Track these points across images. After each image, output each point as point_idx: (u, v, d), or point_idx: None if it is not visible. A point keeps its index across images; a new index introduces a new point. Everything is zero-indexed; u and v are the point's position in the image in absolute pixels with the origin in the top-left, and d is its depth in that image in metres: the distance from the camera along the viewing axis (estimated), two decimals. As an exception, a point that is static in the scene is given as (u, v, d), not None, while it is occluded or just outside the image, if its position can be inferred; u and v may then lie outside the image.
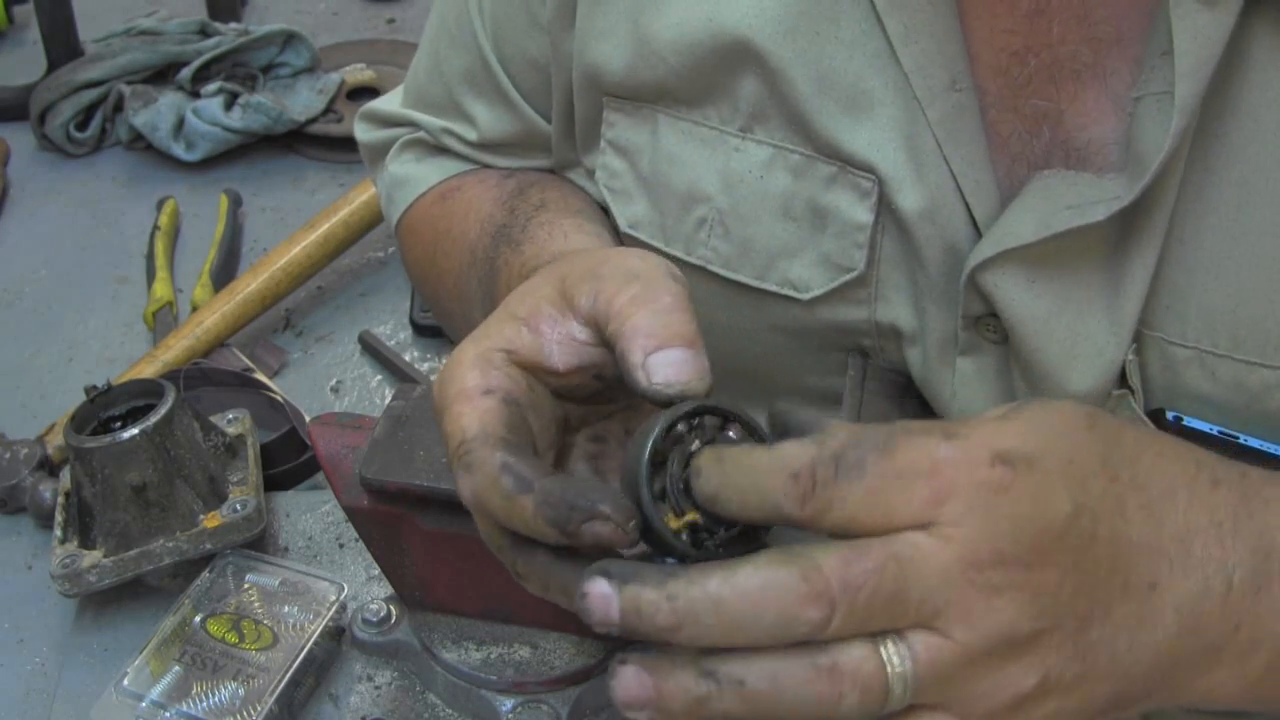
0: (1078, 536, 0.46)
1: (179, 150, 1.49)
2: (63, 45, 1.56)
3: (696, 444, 0.49)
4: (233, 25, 1.62)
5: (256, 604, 0.88)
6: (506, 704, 0.81)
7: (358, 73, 1.60)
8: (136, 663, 0.84)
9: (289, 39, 1.57)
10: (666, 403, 0.50)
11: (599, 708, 0.82)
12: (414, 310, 1.29)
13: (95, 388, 0.93)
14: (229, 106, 1.50)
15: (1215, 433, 0.61)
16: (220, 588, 0.89)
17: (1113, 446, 0.49)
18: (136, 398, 0.95)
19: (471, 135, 0.85)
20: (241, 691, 0.82)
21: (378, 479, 0.77)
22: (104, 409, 0.94)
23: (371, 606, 0.87)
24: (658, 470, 0.49)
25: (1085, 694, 0.48)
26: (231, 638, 0.85)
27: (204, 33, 1.59)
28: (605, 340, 0.53)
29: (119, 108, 1.52)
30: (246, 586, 0.89)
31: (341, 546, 0.96)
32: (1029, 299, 0.62)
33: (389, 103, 0.93)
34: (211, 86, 1.51)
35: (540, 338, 0.54)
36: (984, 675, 0.46)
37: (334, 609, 0.87)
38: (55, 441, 1.09)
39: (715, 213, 0.69)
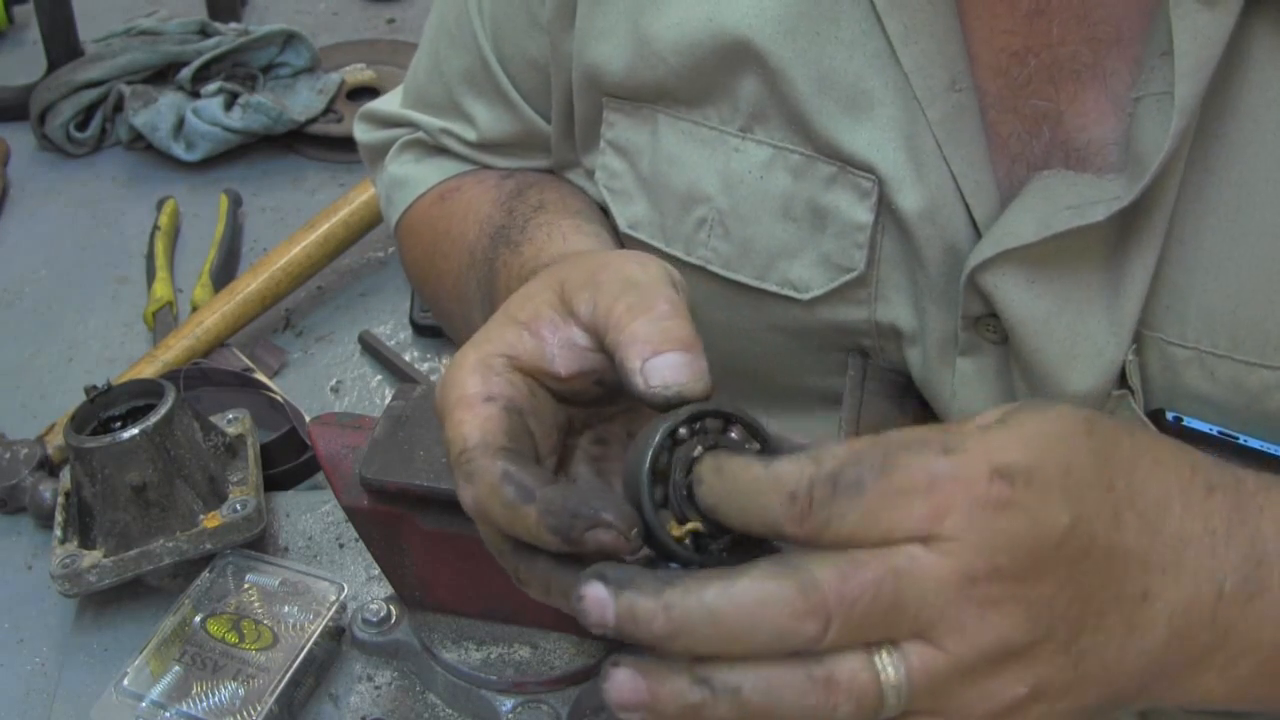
0: (1074, 548, 0.47)
1: (179, 150, 1.49)
2: (63, 45, 1.56)
3: (699, 449, 0.49)
4: (233, 25, 1.62)
5: (256, 604, 0.88)
6: (506, 704, 0.81)
7: (358, 73, 1.60)
8: (136, 663, 0.84)
9: (289, 39, 1.57)
10: (665, 406, 0.50)
11: (599, 708, 0.82)
12: (414, 310, 1.29)
13: (95, 388, 0.93)
14: (229, 106, 1.50)
15: (1215, 433, 0.61)
16: (220, 588, 0.89)
17: (1110, 454, 0.49)
18: (136, 398, 0.95)
19: (471, 135, 0.85)
20: (241, 691, 0.82)
21: (378, 479, 0.77)
22: (104, 409, 0.94)
23: (371, 606, 0.87)
24: (660, 475, 0.49)
25: (1076, 698, 0.48)
26: (231, 638, 0.85)
27: (204, 33, 1.59)
28: (605, 348, 0.53)
29: (119, 108, 1.52)
30: (246, 586, 0.89)
31: (341, 546, 0.96)
32: (1029, 299, 0.62)
33: (388, 103, 0.93)
34: (211, 86, 1.51)
35: (542, 343, 0.54)
36: (977, 684, 0.46)
37: (334, 609, 0.87)
38: (55, 441, 1.09)
39: (715, 213, 0.69)
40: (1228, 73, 0.57)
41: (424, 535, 0.79)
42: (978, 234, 0.63)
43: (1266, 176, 0.58)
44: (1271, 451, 0.61)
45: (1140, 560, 0.49)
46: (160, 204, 1.42)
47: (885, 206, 0.65)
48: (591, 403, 0.57)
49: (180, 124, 1.49)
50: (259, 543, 0.93)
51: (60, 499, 0.96)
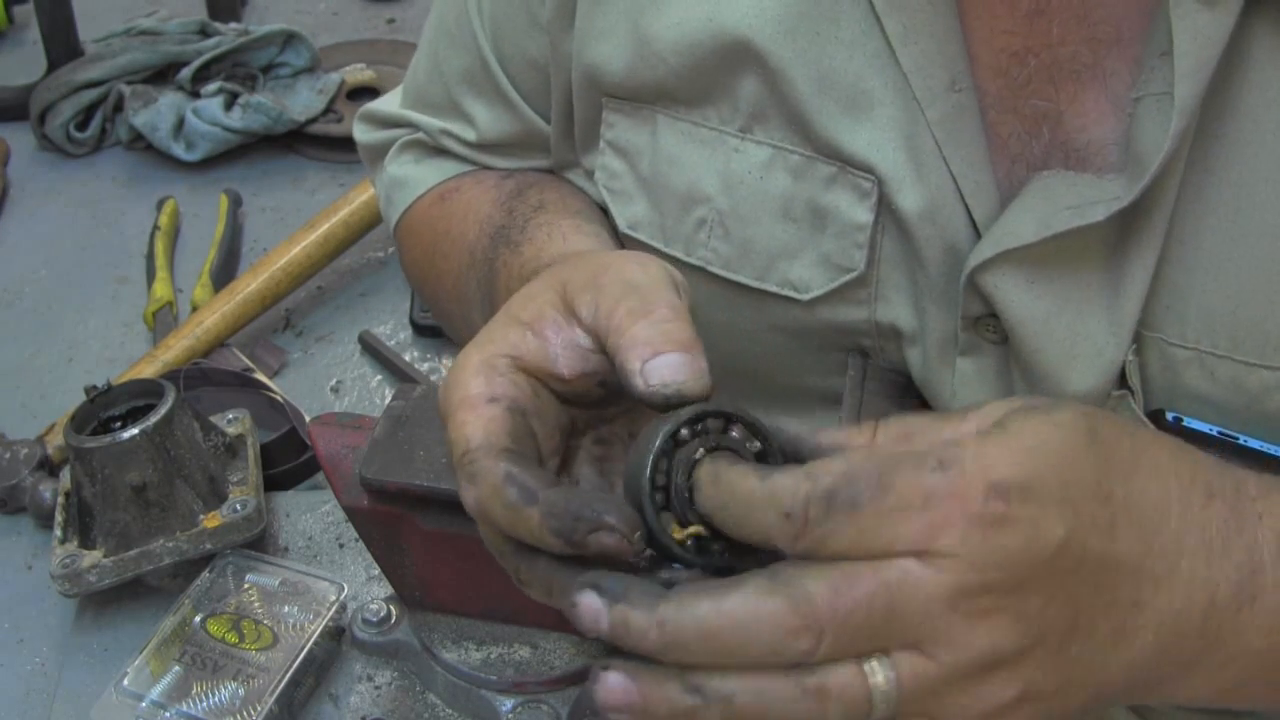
0: (1067, 560, 0.47)
1: (179, 150, 1.49)
2: (63, 45, 1.56)
3: (700, 451, 0.49)
4: (233, 25, 1.62)
5: (256, 604, 0.88)
6: (506, 704, 0.81)
7: (358, 73, 1.60)
8: (136, 663, 0.84)
9: (289, 39, 1.57)
10: (665, 405, 0.50)
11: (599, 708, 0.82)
12: (414, 310, 1.29)
13: (95, 388, 0.93)
14: (229, 106, 1.50)
15: (1215, 433, 0.61)
16: (220, 588, 0.89)
17: (1109, 463, 0.49)
18: (136, 398, 0.95)
19: (470, 136, 0.85)
20: (241, 691, 0.82)
21: (378, 479, 0.77)
22: (104, 409, 0.94)
23: (371, 606, 0.87)
24: (661, 477, 0.49)
25: (1064, 699, 0.49)
26: (231, 638, 0.85)
27: (204, 33, 1.59)
28: (606, 351, 0.53)
29: (119, 108, 1.52)
30: (246, 586, 0.89)
31: (341, 546, 0.96)
32: (1029, 299, 0.62)
33: (388, 103, 0.92)
34: (211, 86, 1.51)
35: (545, 343, 0.54)
36: (965, 690, 0.47)
37: (334, 609, 0.87)
38: (55, 441, 1.09)
39: (715, 213, 0.69)
40: (1228, 73, 0.57)
41: (424, 535, 0.79)
42: (977, 234, 0.63)
43: (1266, 177, 0.58)
44: (1271, 452, 0.61)
45: (1133, 570, 0.49)
46: (160, 204, 1.42)
47: (885, 207, 0.65)
48: (594, 404, 0.57)
49: (180, 124, 1.49)
50: (259, 543, 0.93)
51: (60, 499, 0.96)
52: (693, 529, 0.49)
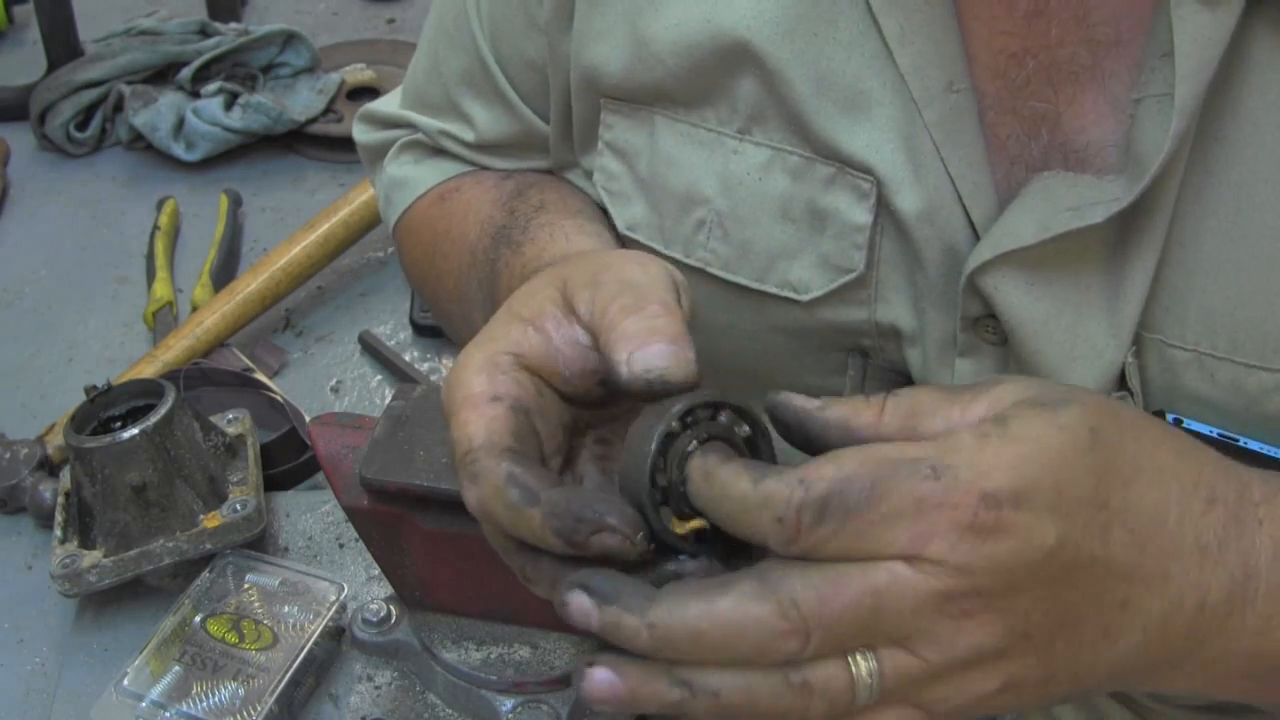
0: (1057, 564, 0.47)
1: (179, 150, 1.49)
2: (63, 45, 1.56)
3: (693, 443, 0.49)
4: (233, 25, 1.62)
5: (256, 604, 0.88)
6: (506, 704, 0.81)
7: (358, 73, 1.60)
8: (136, 663, 0.84)
9: (289, 39, 1.57)
10: (648, 390, 0.50)
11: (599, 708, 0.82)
12: (414, 310, 1.29)
13: (95, 388, 0.93)
14: (229, 106, 1.50)
15: (1215, 435, 0.61)
16: (220, 588, 0.89)
17: (1109, 469, 0.49)
18: (136, 398, 0.95)
19: (469, 136, 0.84)
20: (241, 691, 0.82)
21: (378, 479, 0.77)
22: (104, 409, 0.94)
23: (371, 606, 0.87)
24: (657, 472, 0.49)
25: (1045, 689, 0.50)
26: (231, 638, 0.85)
27: (204, 33, 1.59)
28: (600, 347, 0.53)
29: (119, 108, 1.52)
30: (246, 586, 0.89)
31: (341, 546, 0.96)
32: (1028, 301, 0.62)
33: (387, 104, 0.92)
34: (211, 86, 1.51)
35: (547, 340, 0.54)
36: (948, 683, 0.48)
37: (334, 609, 0.87)
38: (55, 441, 1.09)
39: (714, 214, 0.69)
40: (1228, 75, 0.57)
41: (424, 535, 0.79)
42: (976, 235, 0.63)
43: (1266, 179, 0.58)
44: (1271, 454, 0.61)
45: (1124, 573, 0.49)
46: (160, 204, 1.42)
47: (884, 208, 0.65)
48: (595, 403, 0.57)
49: (180, 124, 1.49)
50: (259, 543, 0.93)
51: (60, 499, 0.96)
52: (693, 524, 0.49)
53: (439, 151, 0.88)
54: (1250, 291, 0.59)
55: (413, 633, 0.85)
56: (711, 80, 0.68)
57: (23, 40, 1.74)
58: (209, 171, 1.49)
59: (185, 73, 1.52)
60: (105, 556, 0.89)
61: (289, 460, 1.05)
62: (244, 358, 1.23)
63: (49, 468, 1.08)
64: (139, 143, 1.52)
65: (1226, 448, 0.60)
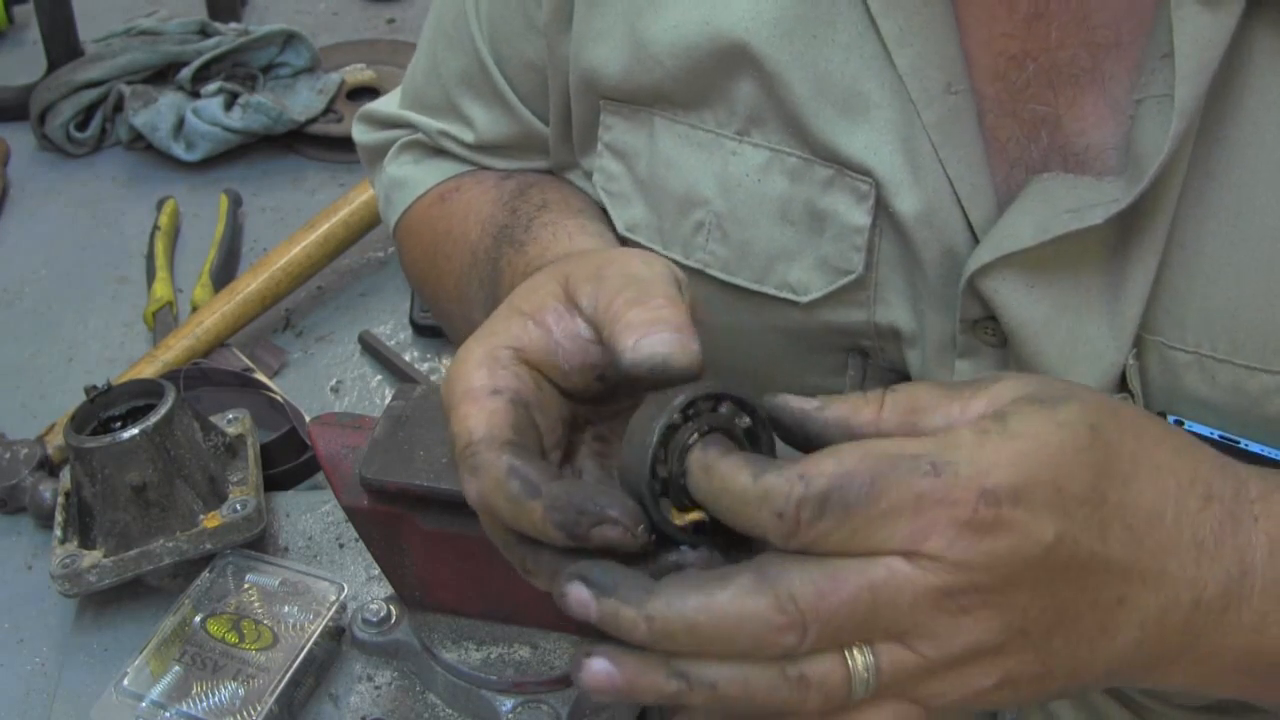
0: (1055, 561, 0.47)
1: (179, 150, 1.49)
2: (63, 45, 1.56)
3: (694, 435, 0.50)
4: (233, 25, 1.62)
5: (256, 604, 0.88)
6: (506, 704, 0.81)
7: (358, 73, 1.60)
8: (136, 663, 0.84)
9: (289, 39, 1.57)
10: (650, 375, 0.50)
11: (599, 708, 0.82)
12: (414, 310, 1.29)
13: (95, 388, 0.93)
14: (229, 106, 1.50)
15: (1216, 437, 0.61)
16: (220, 588, 0.89)
17: (1108, 465, 0.49)
18: (136, 398, 0.95)
19: (469, 137, 0.84)
20: (241, 691, 0.82)
21: (378, 479, 0.77)
22: (104, 409, 0.94)
23: (371, 606, 0.87)
24: (659, 461, 0.49)
25: (1042, 684, 0.50)
26: (231, 638, 0.85)
27: (204, 33, 1.59)
28: (604, 340, 0.53)
29: (119, 108, 1.52)
30: (246, 586, 0.89)
31: (341, 546, 0.97)
32: (1028, 303, 0.62)
33: (387, 104, 0.92)
34: (211, 86, 1.51)
35: (547, 334, 0.54)
36: (945, 678, 0.48)
37: (334, 609, 0.87)
38: (55, 441, 1.09)
39: (713, 216, 0.69)
40: (1229, 76, 0.57)
41: (424, 535, 0.79)
42: (975, 238, 0.63)
43: (1267, 181, 0.57)
44: (1272, 456, 0.61)
45: (1122, 570, 0.49)
46: (160, 204, 1.42)
47: (882, 209, 0.65)
48: (594, 399, 0.57)
49: (180, 124, 1.49)
50: (259, 543, 0.93)
51: (60, 499, 0.96)
52: (692, 516, 0.50)
53: (439, 151, 0.88)
54: (1251, 293, 0.59)
55: (413, 633, 0.85)
56: (710, 82, 0.68)
57: (23, 40, 1.74)
58: (209, 171, 1.49)
59: (185, 73, 1.52)
60: (105, 556, 0.89)
61: (289, 460, 1.05)
62: (244, 358, 1.23)
63: (49, 468, 1.08)
64: (139, 143, 1.52)
65: (1228, 450, 0.60)
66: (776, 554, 0.47)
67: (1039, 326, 0.62)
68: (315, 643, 0.85)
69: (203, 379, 1.14)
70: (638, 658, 0.47)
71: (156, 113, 1.49)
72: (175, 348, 1.20)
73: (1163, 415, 0.62)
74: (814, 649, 0.46)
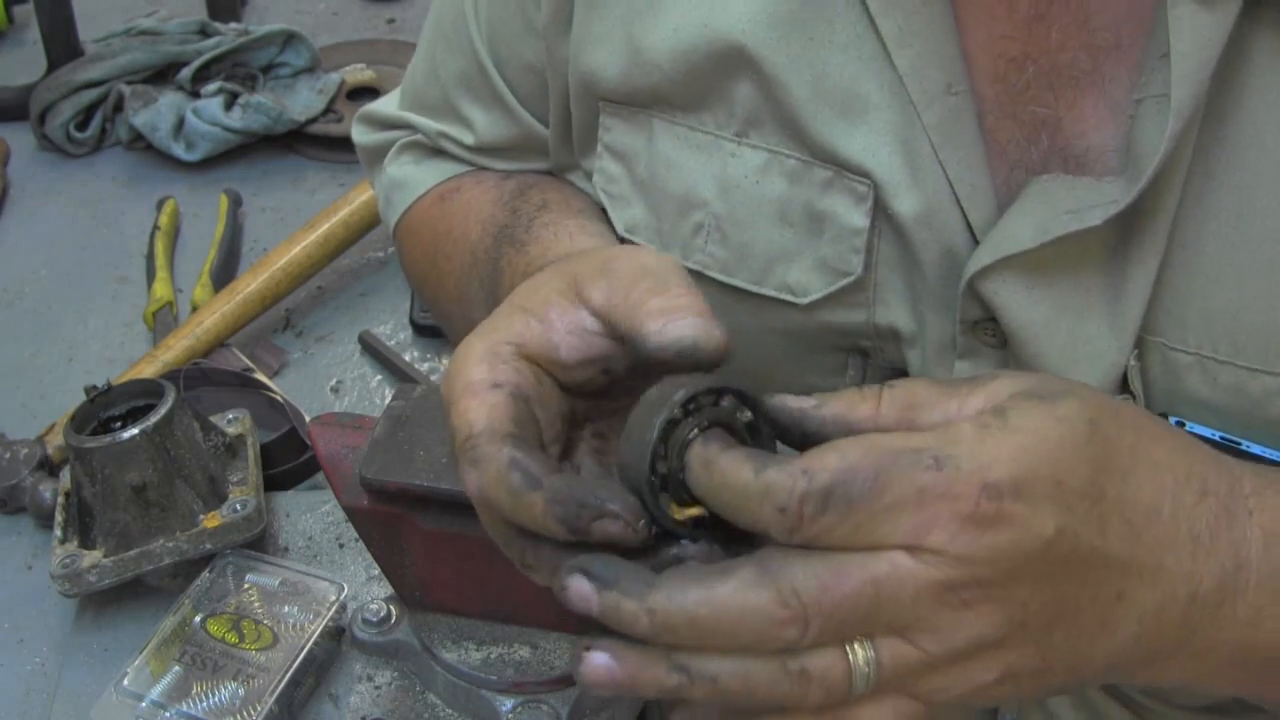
0: (1056, 555, 0.47)
1: (179, 150, 1.49)
2: (63, 45, 1.56)
3: (694, 431, 0.49)
4: (233, 25, 1.62)
5: (256, 604, 0.88)
6: (506, 704, 0.81)
7: (358, 73, 1.60)
8: (136, 663, 0.84)
9: (289, 39, 1.57)
10: (678, 357, 0.50)
11: (599, 708, 0.82)
12: (414, 310, 1.29)
13: (95, 388, 0.93)
14: (229, 106, 1.50)
15: (1217, 439, 0.61)
16: (220, 588, 0.89)
17: (1106, 461, 0.49)
18: (136, 398, 0.95)
19: (468, 139, 0.84)
20: (241, 691, 0.82)
21: (378, 479, 0.77)
22: (104, 409, 0.94)
23: (371, 606, 0.87)
24: (658, 457, 0.49)
25: (1042, 680, 0.50)
26: (231, 638, 0.85)
27: (204, 33, 1.59)
28: (618, 334, 0.53)
29: (119, 108, 1.52)
30: (246, 586, 0.89)
31: (341, 546, 0.97)
32: (1028, 304, 0.62)
33: (386, 105, 0.92)
34: (211, 86, 1.51)
35: (549, 329, 0.54)
36: (946, 673, 0.48)
37: (334, 609, 0.87)
38: (55, 441, 1.09)
39: (712, 218, 0.69)
40: (1230, 78, 0.57)
41: (424, 535, 0.79)
42: (974, 239, 0.63)
43: (1268, 182, 0.57)
44: (1274, 457, 0.61)
45: (1120, 564, 0.49)
46: (160, 204, 1.42)
47: (881, 211, 0.65)
48: (595, 393, 0.57)
49: (180, 124, 1.49)
50: (259, 543, 0.93)
51: (60, 499, 0.96)
52: (692, 511, 0.50)
53: (439, 152, 0.88)
54: (1252, 295, 0.59)
55: (413, 633, 0.85)
56: (708, 84, 0.68)
57: (23, 40, 1.74)
58: (209, 171, 1.49)
59: (185, 73, 1.52)
60: (105, 556, 0.89)
61: (289, 460, 1.05)
62: (244, 358, 1.23)
63: (49, 468, 1.08)
64: (139, 143, 1.53)
65: (1229, 451, 0.61)
66: (778, 548, 0.47)
67: (1040, 328, 0.62)
68: (315, 643, 0.85)
69: (203, 379, 1.14)
70: (638, 651, 0.47)
71: (156, 113, 1.49)
72: (175, 348, 1.20)
73: (1164, 416, 0.62)
74: (815, 643, 0.46)
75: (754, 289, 0.69)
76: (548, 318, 0.54)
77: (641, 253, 0.56)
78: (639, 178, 0.73)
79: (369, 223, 1.34)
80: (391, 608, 0.87)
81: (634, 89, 0.70)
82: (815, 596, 0.45)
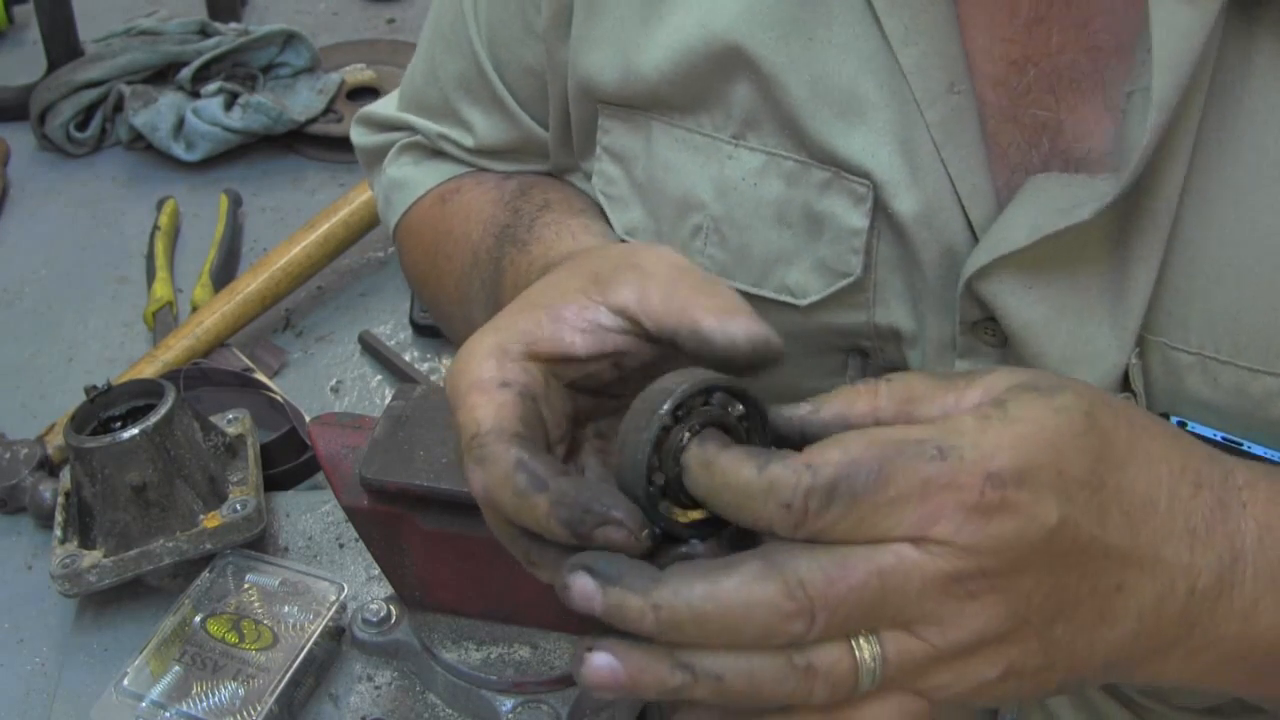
0: (1058, 545, 0.47)
1: (179, 150, 1.49)
2: (63, 45, 1.56)
3: (685, 435, 0.49)
4: (233, 25, 1.62)
5: (256, 604, 0.88)
6: (506, 704, 0.81)
7: (358, 73, 1.60)
8: (136, 663, 0.84)
9: (289, 39, 1.57)
10: (750, 356, 0.51)
11: (599, 708, 0.82)
12: (414, 310, 1.29)
13: (95, 388, 0.93)
14: (229, 106, 1.50)
15: (1218, 439, 0.61)
16: (220, 588, 0.89)
17: (1104, 452, 0.49)
18: (136, 398, 0.95)
19: (468, 141, 0.84)
20: (241, 691, 0.82)
21: (378, 479, 0.77)
22: (104, 409, 0.94)
23: (371, 606, 0.87)
24: (654, 469, 0.49)
25: (1044, 677, 0.50)
26: (231, 638, 0.85)
27: (204, 33, 1.59)
28: (654, 331, 0.53)
29: (119, 108, 1.52)
30: (246, 586, 0.89)
31: (341, 546, 0.97)
32: (1027, 304, 0.62)
33: (386, 106, 0.92)
34: (211, 86, 1.51)
35: (562, 325, 0.54)
36: (950, 668, 0.48)
37: (334, 609, 0.87)
38: (55, 441, 1.09)
39: (710, 220, 0.69)
40: (1230, 79, 0.57)
41: (424, 535, 0.79)
42: (974, 238, 0.63)
43: (1269, 183, 0.57)
44: (1275, 458, 0.61)
45: (1120, 556, 0.49)
46: (160, 204, 1.42)
47: (880, 211, 0.65)
48: (601, 390, 0.57)
49: (180, 124, 1.49)
50: (259, 543, 0.93)
51: (60, 499, 0.96)
52: (694, 514, 0.49)
53: (438, 153, 0.88)
54: (1254, 295, 0.59)
55: (413, 633, 0.85)
56: (706, 86, 0.68)
57: (23, 40, 1.74)
58: (209, 171, 1.50)
59: (185, 73, 1.52)
60: (105, 556, 0.89)
61: (289, 460, 1.05)
62: (244, 358, 1.23)
63: (49, 468, 1.08)
64: (139, 143, 1.53)
65: (1230, 452, 0.61)
66: (783, 542, 0.46)
67: (1040, 327, 0.62)
68: (315, 643, 0.85)
69: (203, 379, 1.14)
70: (641, 650, 0.46)
71: (156, 113, 1.49)
72: (175, 348, 1.20)
73: (1165, 416, 0.62)
74: (821, 637, 0.46)
75: (753, 291, 0.69)
76: (562, 314, 0.54)
77: (666, 251, 0.56)
78: (637, 180, 0.73)
79: (369, 223, 1.34)
80: (391, 608, 0.87)
81: (632, 91, 0.70)
82: (822, 589, 0.45)
